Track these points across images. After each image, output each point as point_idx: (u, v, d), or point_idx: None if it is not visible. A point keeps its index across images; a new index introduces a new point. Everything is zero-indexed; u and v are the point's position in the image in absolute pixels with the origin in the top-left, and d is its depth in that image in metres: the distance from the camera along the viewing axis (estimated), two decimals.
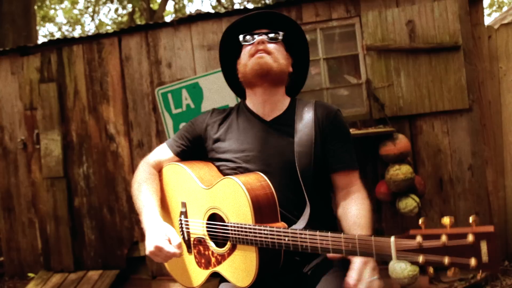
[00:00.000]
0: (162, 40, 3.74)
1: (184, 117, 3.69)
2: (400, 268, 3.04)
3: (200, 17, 3.62)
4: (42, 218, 4.03)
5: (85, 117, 3.90)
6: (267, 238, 1.17)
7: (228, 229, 1.27)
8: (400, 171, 3.07)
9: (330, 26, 3.48)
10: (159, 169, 1.57)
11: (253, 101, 1.51)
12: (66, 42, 3.92)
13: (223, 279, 1.40)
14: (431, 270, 0.94)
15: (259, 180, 1.30)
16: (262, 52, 1.42)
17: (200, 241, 1.39)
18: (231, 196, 1.27)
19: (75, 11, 17.44)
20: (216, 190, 1.33)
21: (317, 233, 1.08)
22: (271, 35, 1.47)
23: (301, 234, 1.11)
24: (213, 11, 3.57)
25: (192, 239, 1.43)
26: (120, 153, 3.84)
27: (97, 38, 3.86)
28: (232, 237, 1.26)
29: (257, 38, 1.45)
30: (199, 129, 1.53)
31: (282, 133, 1.42)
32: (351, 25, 3.44)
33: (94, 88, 3.88)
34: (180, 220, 1.47)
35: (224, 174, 1.43)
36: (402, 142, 3.12)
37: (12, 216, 4.12)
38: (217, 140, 1.48)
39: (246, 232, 1.21)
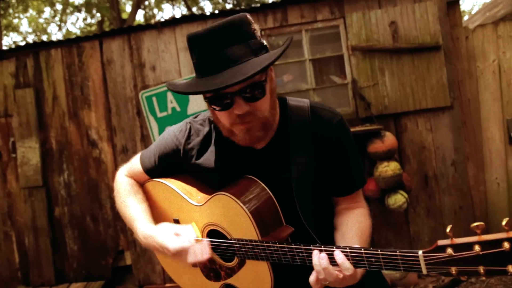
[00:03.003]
0: (146, 43, 3.67)
1: (170, 120, 3.62)
2: None
3: (184, 19, 3.58)
4: (20, 230, 3.82)
5: (65, 123, 3.75)
6: (279, 254, 1.08)
7: (233, 246, 1.17)
8: (389, 168, 3.13)
9: (315, 28, 3.53)
10: (138, 182, 1.43)
11: None
12: (43, 46, 3.78)
13: None
14: (464, 278, 0.88)
15: (251, 186, 1.17)
16: (246, 125, 1.11)
17: None
18: (228, 213, 1.16)
19: (41, 20, 16.92)
20: (210, 207, 1.22)
21: (334, 247, 1.00)
22: (255, 92, 1.07)
23: (316, 249, 1.02)
24: (197, 14, 3.54)
25: None
26: (103, 159, 3.72)
27: (77, 42, 3.74)
28: (239, 253, 1.17)
29: (235, 106, 1.06)
30: (172, 151, 1.32)
31: (276, 165, 1.20)
32: (336, 26, 3.51)
33: (75, 93, 3.75)
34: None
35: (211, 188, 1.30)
36: (389, 139, 3.19)
37: None
38: (197, 171, 1.29)
39: (253, 248, 1.12)
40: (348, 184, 1.25)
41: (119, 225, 3.69)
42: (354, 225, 1.19)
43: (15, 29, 16.65)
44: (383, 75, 3.40)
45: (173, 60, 3.65)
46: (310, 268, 1.04)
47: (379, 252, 0.94)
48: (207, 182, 1.30)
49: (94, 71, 3.72)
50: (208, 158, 1.26)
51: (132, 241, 3.66)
